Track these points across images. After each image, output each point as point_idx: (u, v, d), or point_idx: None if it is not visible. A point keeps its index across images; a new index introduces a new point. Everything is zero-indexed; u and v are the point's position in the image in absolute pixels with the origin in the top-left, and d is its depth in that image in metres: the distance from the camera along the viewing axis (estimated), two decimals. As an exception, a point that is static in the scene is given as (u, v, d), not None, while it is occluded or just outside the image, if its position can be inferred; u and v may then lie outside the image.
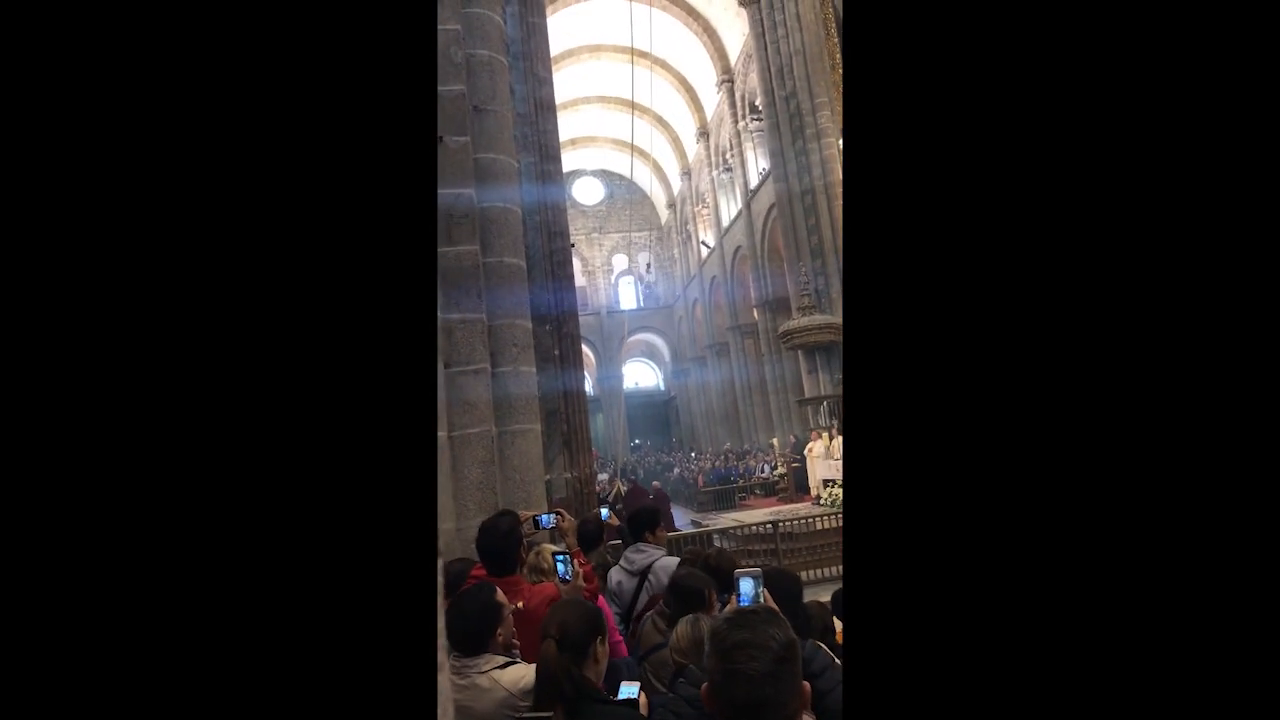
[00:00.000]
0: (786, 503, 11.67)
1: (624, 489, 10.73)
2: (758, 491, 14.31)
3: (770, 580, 1.88)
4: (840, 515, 8.51)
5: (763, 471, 15.15)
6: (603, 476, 12.49)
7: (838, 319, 12.40)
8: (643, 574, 3.10)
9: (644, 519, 3.29)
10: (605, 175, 28.73)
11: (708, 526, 9.21)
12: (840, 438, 10.74)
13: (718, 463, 17.46)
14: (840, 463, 10.08)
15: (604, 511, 3.75)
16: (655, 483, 13.62)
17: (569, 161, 24.96)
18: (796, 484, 12.07)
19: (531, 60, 6.81)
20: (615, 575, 3.22)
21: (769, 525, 8.29)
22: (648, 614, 2.65)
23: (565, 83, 19.60)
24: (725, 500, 13.84)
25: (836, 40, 13.46)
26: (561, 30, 17.44)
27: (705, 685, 1.02)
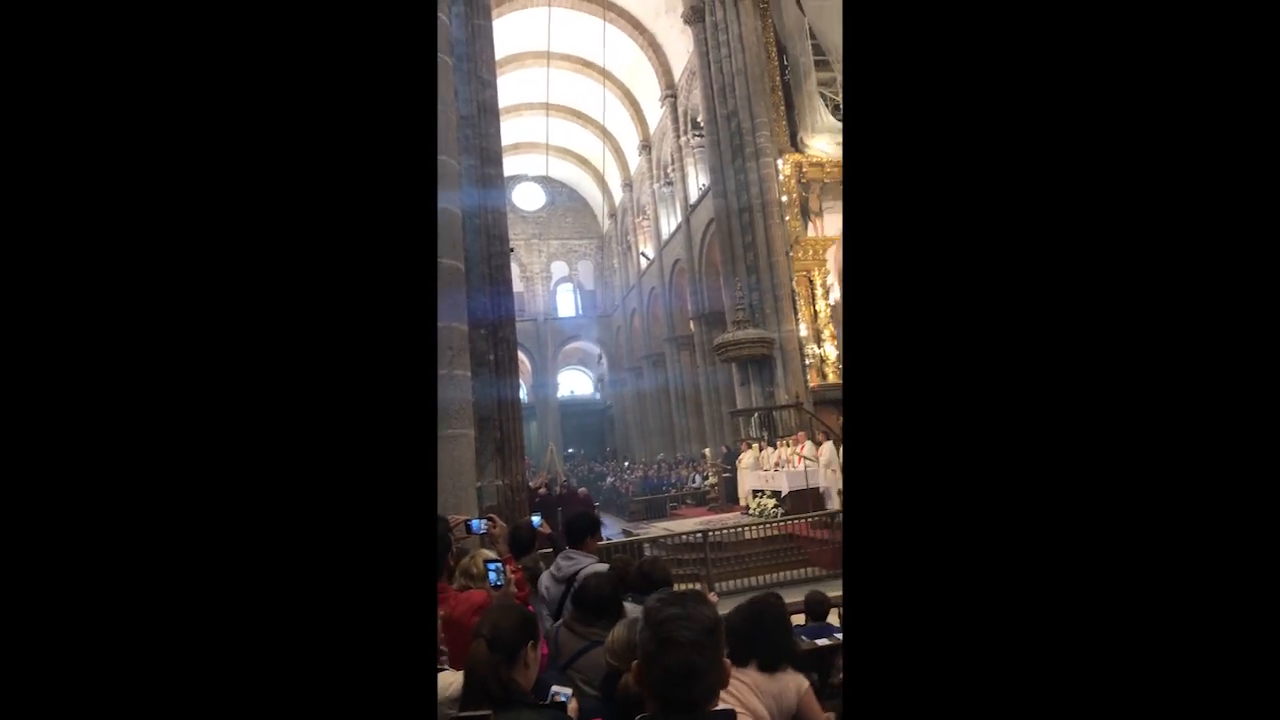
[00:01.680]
0: (717, 512, 11.83)
1: (558, 488, 10.69)
2: (689, 501, 14.45)
3: (753, 613, 1.99)
4: (767, 525, 8.71)
5: (694, 482, 15.32)
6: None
7: (770, 334, 12.71)
8: (569, 581, 3.11)
9: (583, 525, 3.29)
10: (547, 182, 28.60)
11: (638, 535, 9.24)
12: (770, 449, 10.99)
13: (650, 472, 17.55)
14: (769, 474, 10.31)
15: (535, 519, 3.74)
16: (581, 489, 13.58)
17: (511, 166, 24.72)
18: (727, 494, 12.26)
19: (475, 63, 6.75)
20: (545, 581, 3.21)
21: (699, 535, 8.39)
22: (558, 624, 2.66)
23: (510, 87, 19.44)
24: (657, 510, 13.91)
25: (777, 63, 13.88)
26: (507, 35, 17.33)
27: (636, 662, 1.09)
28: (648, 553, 7.36)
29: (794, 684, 1.92)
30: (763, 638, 1.92)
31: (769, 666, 1.90)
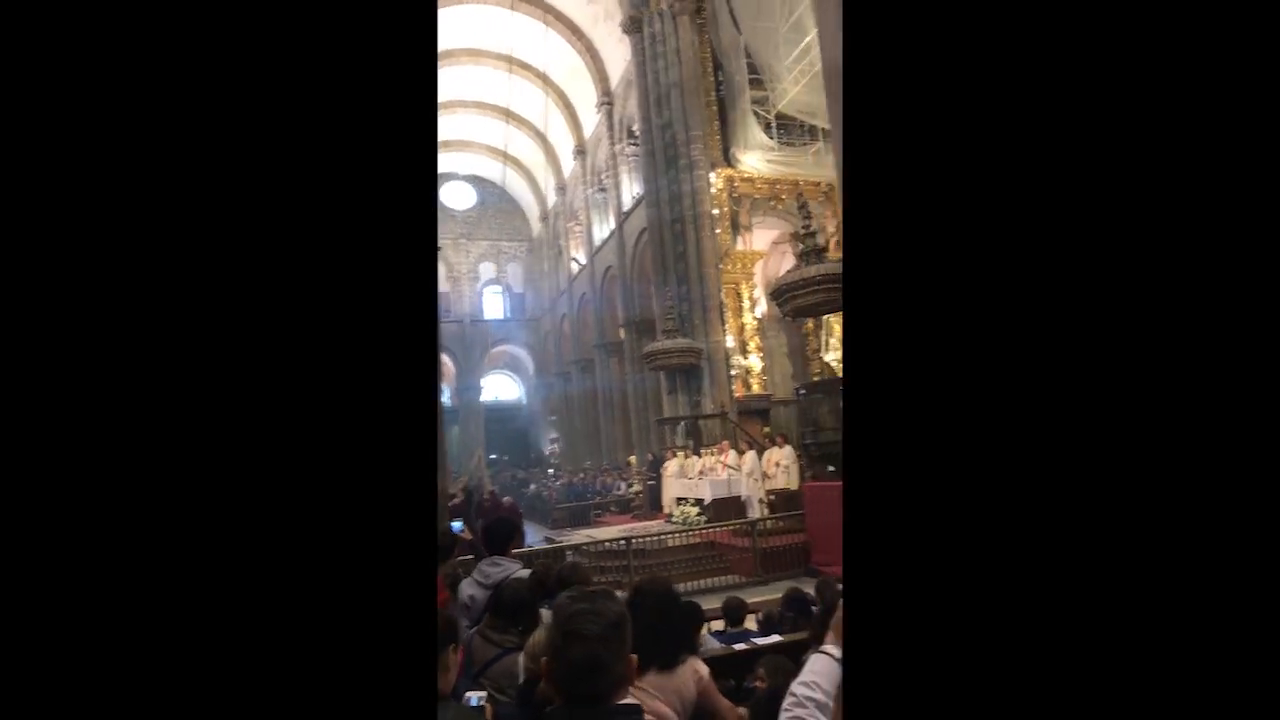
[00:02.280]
0: (640, 520, 11.86)
1: (484, 496, 10.47)
2: (613, 509, 14.43)
3: (643, 595, 1.94)
4: (691, 533, 8.80)
5: (619, 489, 15.32)
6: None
7: (699, 344, 12.89)
8: (496, 588, 3.04)
9: (504, 531, 3.23)
10: (478, 181, 28.10)
11: (560, 543, 9.16)
12: (695, 458, 11.13)
13: (575, 479, 17.44)
14: (693, 482, 10.43)
15: (455, 525, 3.65)
16: (507, 498, 13.36)
17: (441, 164, 24.17)
18: (651, 502, 12.32)
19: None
20: (467, 589, 3.13)
21: (622, 542, 8.39)
22: (472, 630, 2.60)
23: (443, 84, 19.04)
24: (580, 517, 13.83)
25: (713, 79, 14.15)
26: (442, 29, 16.97)
27: (545, 659, 1.11)
28: (570, 559, 7.30)
29: (692, 675, 1.89)
30: (654, 635, 1.80)
31: (667, 664, 1.85)
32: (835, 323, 12.13)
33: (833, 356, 12.57)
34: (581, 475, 17.77)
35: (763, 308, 13.56)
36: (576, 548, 8.32)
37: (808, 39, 11.25)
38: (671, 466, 11.51)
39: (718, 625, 3.86)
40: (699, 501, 9.84)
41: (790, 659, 2.41)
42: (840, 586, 2.92)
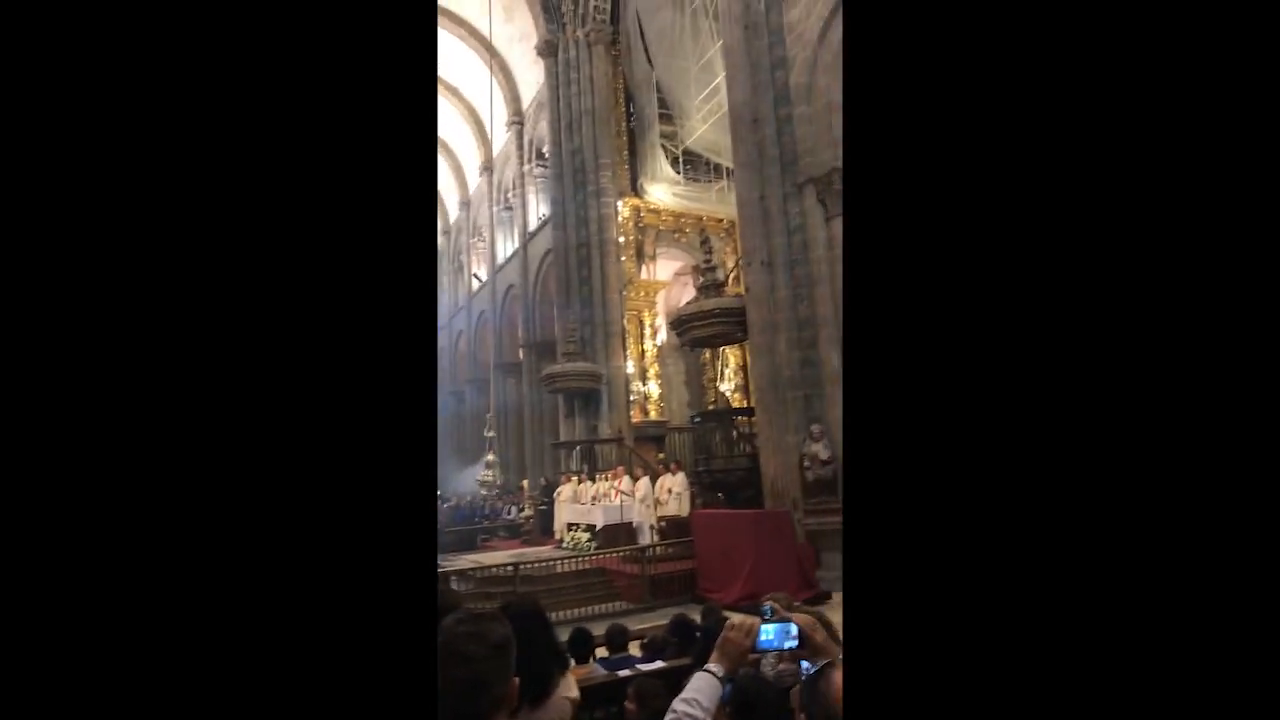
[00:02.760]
0: (530, 545, 11.62)
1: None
2: (501, 534, 14.07)
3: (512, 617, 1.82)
4: (581, 559, 8.70)
5: (509, 514, 14.96)
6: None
7: (599, 368, 12.91)
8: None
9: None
10: (379, 190, 27.14)
11: (444, 568, 8.81)
12: (589, 483, 11.06)
13: (463, 503, 16.87)
14: (586, 507, 10.36)
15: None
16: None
17: (339, 168, 23.10)
18: (542, 527, 12.11)
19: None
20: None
21: (509, 567, 8.18)
22: None
23: (346, 85, 18.30)
24: (467, 541, 13.38)
25: (625, 109, 14.43)
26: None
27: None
28: (454, 586, 7.04)
29: (561, 703, 1.78)
30: (524, 663, 1.68)
31: (538, 697, 1.68)
32: (731, 354, 12.51)
33: (727, 386, 12.93)
34: (469, 499, 17.23)
35: (663, 336, 13.80)
36: (461, 573, 8.03)
37: (717, 80, 11.71)
38: (565, 491, 11.38)
39: (602, 651, 3.82)
40: (590, 527, 9.77)
41: (667, 685, 2.41)
42: (724, 615, 2.97)
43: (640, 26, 13.63)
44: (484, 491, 16.71)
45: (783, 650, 1.41)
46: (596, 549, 9.03)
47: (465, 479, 18.62)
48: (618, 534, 9.26)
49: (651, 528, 9.53)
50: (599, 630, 3.99)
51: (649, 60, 13.86)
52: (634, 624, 4.69)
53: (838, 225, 8.18)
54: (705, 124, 13.25)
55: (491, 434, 18.08)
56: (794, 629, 1.39)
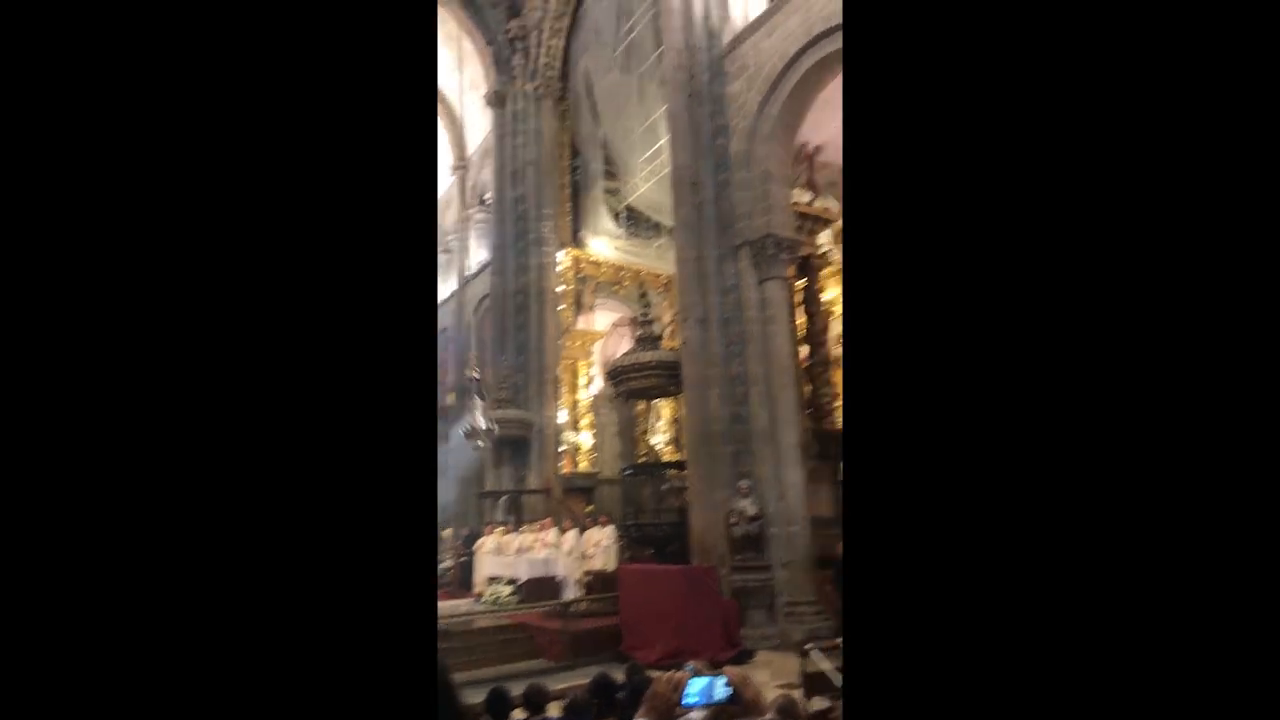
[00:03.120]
0: (448, 598, 11.13)
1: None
2: (420, 585, 13.42)
3: None
4: (500, 614, 8.37)
5: (429, 564, 14.34)
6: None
7: (531, 415, 12.73)
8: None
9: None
10: (313, 224, 26.55)
11: (357, 621, 8.32)
12: (514, 534, 10.75)
13: (381, 551, 16.08)
14: (510, 560, 10.03)
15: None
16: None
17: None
18: (462, 579, 11.64)
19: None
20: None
21: (426, 622, 7.78)
22: None
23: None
24: (382, 593, 12.69)
25: (570, 162, 14.70)
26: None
27: None
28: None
29: None
30: None
31: None
32: (664, 407, 12.59)
33: (659, 439, 12.96)
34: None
35: (598, 386, 13.78)
36: (373, 628, 7.58)
37: (660, 142, 12.12)
38: (488, 543, 11.02)
39: (519, 713, 3.66)
40: (513, 580, 9.46)
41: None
42: (648, 673, 2.91)
43: (589, 84, 14.04)
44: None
45: (712, 703, 1.40)
46: (519, 603, 8.73)
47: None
48: (541, 588, 8.99)
49: (576, 582, 9.30)
50: (518, 690, 3.83)
51: (595, 118, 14.24)
52: (554, 683, 4.53)
53: (770, 288, 8.50)
54: (647, 183, 13.62)
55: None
56: (724, 679, 1.39)
